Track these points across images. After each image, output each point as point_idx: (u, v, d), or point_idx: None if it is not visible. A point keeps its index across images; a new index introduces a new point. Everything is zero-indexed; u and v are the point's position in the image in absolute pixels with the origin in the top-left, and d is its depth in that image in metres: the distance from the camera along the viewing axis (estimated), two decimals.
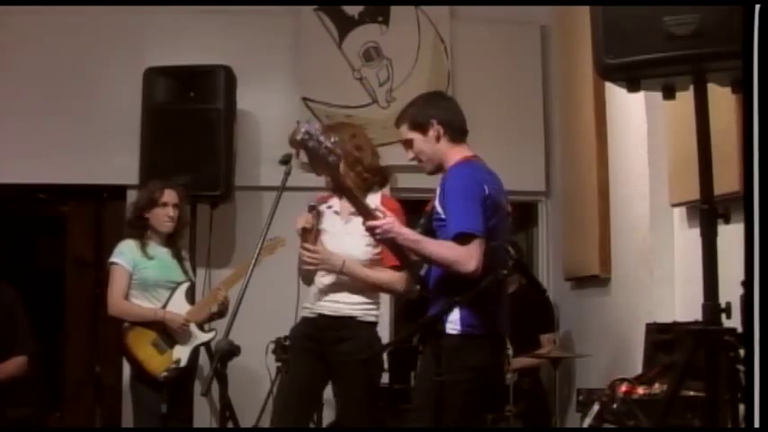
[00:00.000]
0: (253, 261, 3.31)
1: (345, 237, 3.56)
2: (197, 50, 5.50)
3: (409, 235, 2.92)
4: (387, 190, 3.86)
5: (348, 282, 3.52)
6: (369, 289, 3.56)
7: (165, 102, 5.25)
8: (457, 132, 3.08)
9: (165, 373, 4.03)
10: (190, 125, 5.16)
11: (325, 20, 5.83)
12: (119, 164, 5.45)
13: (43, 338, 6.53)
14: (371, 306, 3.59)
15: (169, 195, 4.24)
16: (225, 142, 5.19)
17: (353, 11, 5.85)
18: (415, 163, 3.21)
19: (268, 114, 5.71)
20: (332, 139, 2.87)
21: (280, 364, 4.42)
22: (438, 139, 3.04)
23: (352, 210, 3.49)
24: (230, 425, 4.39)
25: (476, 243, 2.81)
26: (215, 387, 3.41)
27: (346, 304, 3.55)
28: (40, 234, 7.12)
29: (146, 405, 4.04)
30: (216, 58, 5.35)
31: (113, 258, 4.16)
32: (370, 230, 2.94)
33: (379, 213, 2.96)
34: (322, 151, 2.78)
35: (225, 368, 3.22)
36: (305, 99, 5.72)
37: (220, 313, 4.21)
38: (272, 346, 4.70)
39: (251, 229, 5.37)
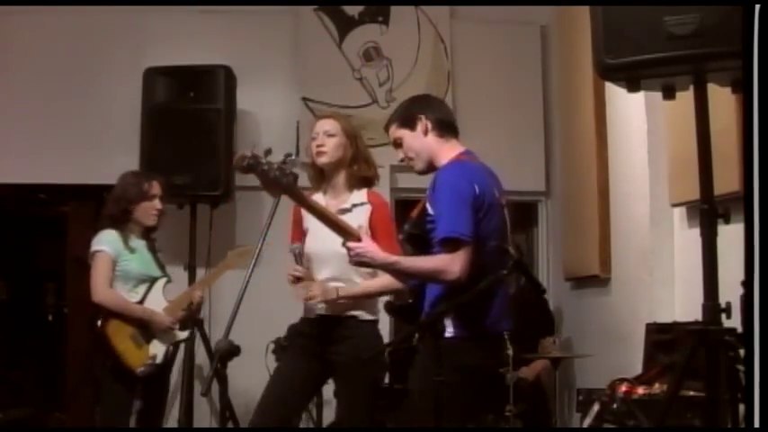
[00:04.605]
0: (252, 261, 3.30)
1: (331, 235, 3.40)
2: (197, 50, 5.50)
3: (384, 258, 2.91)
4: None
5: (347, 281, 3.50)
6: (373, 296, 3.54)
7: (165, 102, 5.24)
8: (445, 128, 3.07)
9: (142, 368, 3.99)
10: (190, 125, 5.16)
11: (325, 20, 5.83)
12: (119, 164, 5.41)
13: (43, 339, 6.56)
14: (371, 303, 3.57)
15: (156, 187, 4.18)
16: (225, 142, 5.18)
17: (353, 11, 5.86)
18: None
19: (268, 114, 5.71)
20: (284, 160, 2.81)
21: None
22: (426, 133, 3.05)
23: (340, 207, 3.48)
24: (230, 425, 4.40)
25: (462, 248, 2.79)
26: (215, 387, 3.41)
27: (346, 305, 3.52)
28: (40, 234, 7.13)
29: (116, 401, 3.97)
30: (216, 58, 5.35)
31: (98, 246, 4.03)
32: (347, 251, 2.93)
33: (354, 233, 2.92)
34: (273, 174, 2.71)
35: (225, 368, 3.22)
36: (305, 99, 5.73)
37: (191, 314, 4.20)
38: (272, 347, 4.70)
39: (251, 229, 5.37)
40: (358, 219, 3.48)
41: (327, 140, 3.53)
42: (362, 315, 3.53)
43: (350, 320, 3.50)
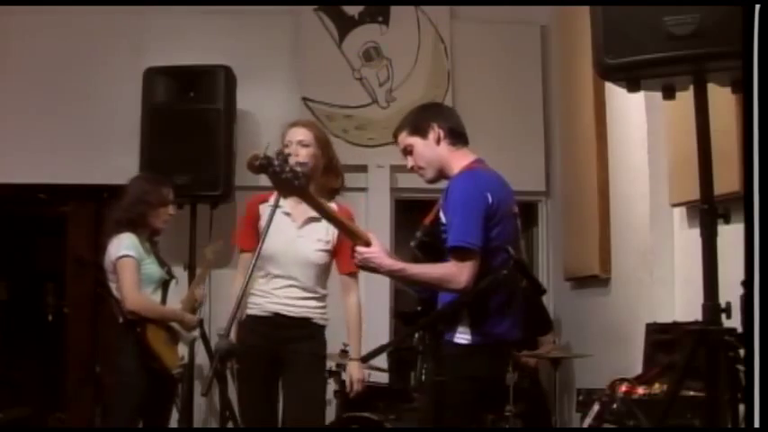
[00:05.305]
0: (253, 261, 3.31)
1: (298, 240, 3.48)
2: (197, 50, 5.51)
3: (391, 265, 2.87)
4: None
5: (302, 284, 3.49)
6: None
7: (165, 102, 5.25)
8: (457, 137, 3.05)
9: (179, 370, 4.06)
10: (190, 125, 5.16)
11: (325, 20, 5.83)
12: (119, 164, 5.44)
13: (43, 339, 6.55)
14: (324, 309, 3.57)
15: (171, 193, 4.21)
16: (225, 142, 5.19)
17: (353, 11, 5.86)
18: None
19: (268, 114, 5.70)
20: (295, 162, 2.79)
21: None
22: (438, 141, 3.02)
23: (309, 215, 3.45)
24: (230, 425, 4.39)
25: (471, 258, 2.78)
26: (215, 387, 3.40)
27: (304, 307, 3.51)
28: (40, 234, 7.12)
29: (135, 402, 3.97)
30: (216, 58, 5.35)
31: (124, 251, 3.97)
32: (355, 254, 2.92)
33: (364, 237, 2.90)
34: (285, 176, 2.66)
35: (225, 368, 3.21)
36: (305, 99, 5.73)
37: (193, 311, 4.27)
38: None
39: None
40: (327, 228, 3.49)
41: (301, 150, 3.49)
42: (316, 319, 3.54)
43: (304, 322, 3.50)
